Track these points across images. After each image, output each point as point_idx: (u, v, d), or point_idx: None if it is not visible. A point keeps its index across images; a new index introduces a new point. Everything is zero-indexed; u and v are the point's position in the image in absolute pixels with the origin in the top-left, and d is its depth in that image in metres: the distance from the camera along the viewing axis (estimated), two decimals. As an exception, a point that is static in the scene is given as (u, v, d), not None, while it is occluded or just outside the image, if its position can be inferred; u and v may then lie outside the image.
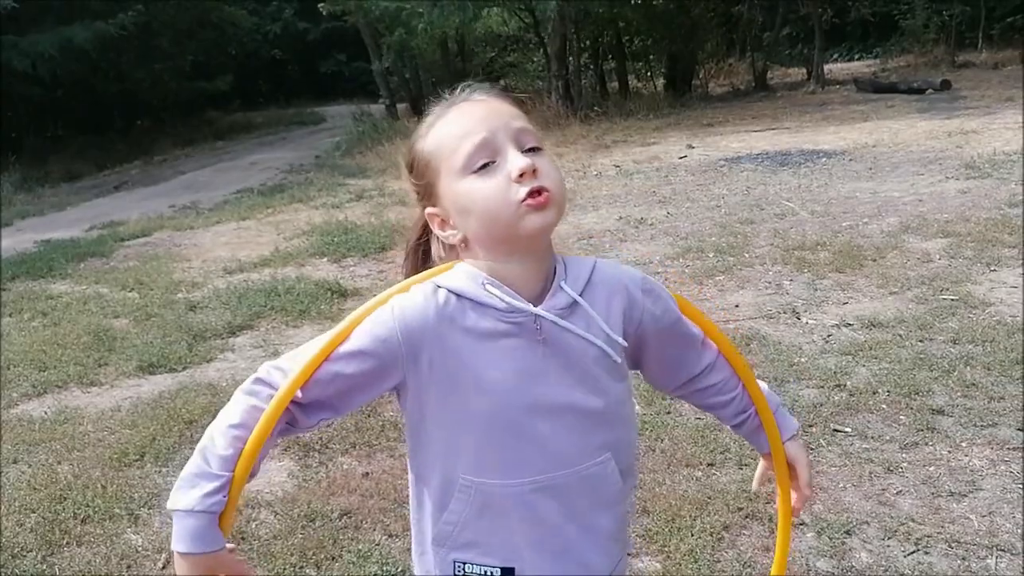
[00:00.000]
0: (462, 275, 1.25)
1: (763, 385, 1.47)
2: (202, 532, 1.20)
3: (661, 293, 1.37)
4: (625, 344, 1.30)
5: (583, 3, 16.32)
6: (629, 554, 2.72)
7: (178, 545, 1.20)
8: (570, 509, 1.29)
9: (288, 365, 1.25)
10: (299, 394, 1.24)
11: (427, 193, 1.29)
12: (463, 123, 1.24)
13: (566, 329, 1.24)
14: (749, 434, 1.50)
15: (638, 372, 1.44)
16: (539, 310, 1.23)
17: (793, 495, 1.50)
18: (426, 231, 1.37)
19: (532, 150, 1.23)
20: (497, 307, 1.22)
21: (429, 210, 1.30)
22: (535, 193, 1.19)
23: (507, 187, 1.19)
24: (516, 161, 1.19)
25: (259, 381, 1.27)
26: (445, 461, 1.27)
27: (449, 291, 1.23)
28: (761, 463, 1.56)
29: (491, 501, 1.26)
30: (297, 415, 1.27)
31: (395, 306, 1.23)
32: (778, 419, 1.47)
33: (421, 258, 1.39)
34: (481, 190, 1.20)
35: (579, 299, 1.26)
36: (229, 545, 1.23)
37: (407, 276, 1.35)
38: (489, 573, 1.29)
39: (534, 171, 1.19)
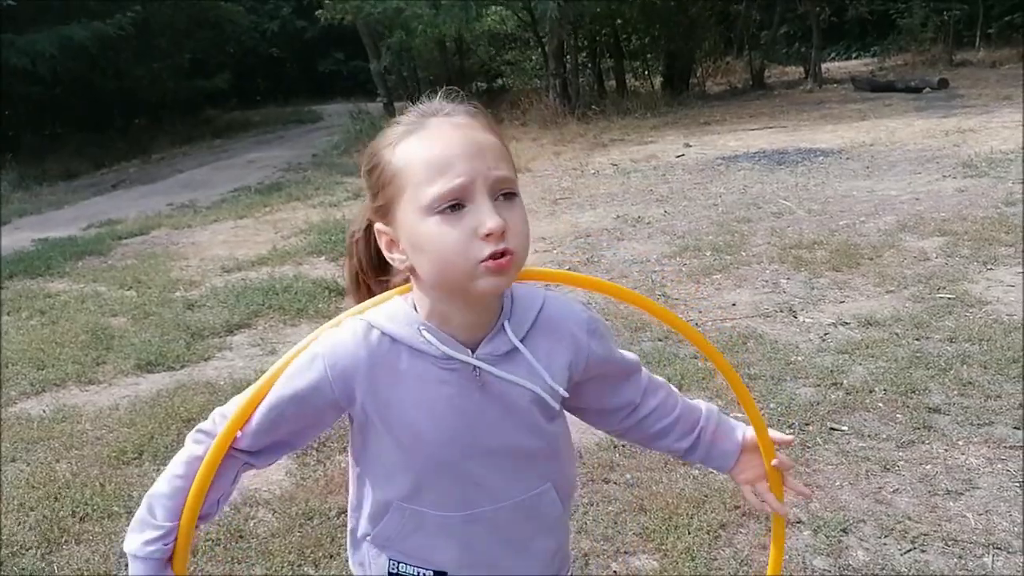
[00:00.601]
0: (399, 316, 1.22)
1: (703, 404, 1.48)
2: (149, 573, 1.24)
3: (605, 333, 1.34)
4: (566, 395, 1.27)
5: (581, 2, 16.32)
6: (627, 552, 2.75)
7: None
8: (504, 535, 1.30)
9: (232, 412, 1.25)
10: (250, 445, 1.25)
11: (382, 208, 1.18)
12: (440, 154, 1.11)
13: (503, 379, 1.21)
14: (706, 453, 1.44)
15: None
16: (476, 360, 1.20)
17: (791, 495, 1.49)
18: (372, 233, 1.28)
19: (507, 195, 1.13)
20: (433, 354, 1.19)
21: (380, 227, 1.20)
22: (497, 255, 1.09)
23: (470, 242, 1.09)
24: (487, 219, 1.08)
25: (201, 432, 1.27)
26: (382, 487, 1.29)
27: (383, 333, 1.20)
28: (745, 488, 1.47)
29: (424, 523, 1.28)
30: (253, 460, 1.29)
31: (326, 350, 1.20)
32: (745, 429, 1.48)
33: (373, 257, 1.31)
34: (441, 237, 1.09)
35: (520, 347, 1.22)
36: None
37: (354, 277, 1.35)
38: (422, 573, 1.30)
39: (503, 232, 1.09)
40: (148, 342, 5.25)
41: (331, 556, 2.88)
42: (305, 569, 2.84)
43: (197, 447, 1.25)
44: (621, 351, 1.38)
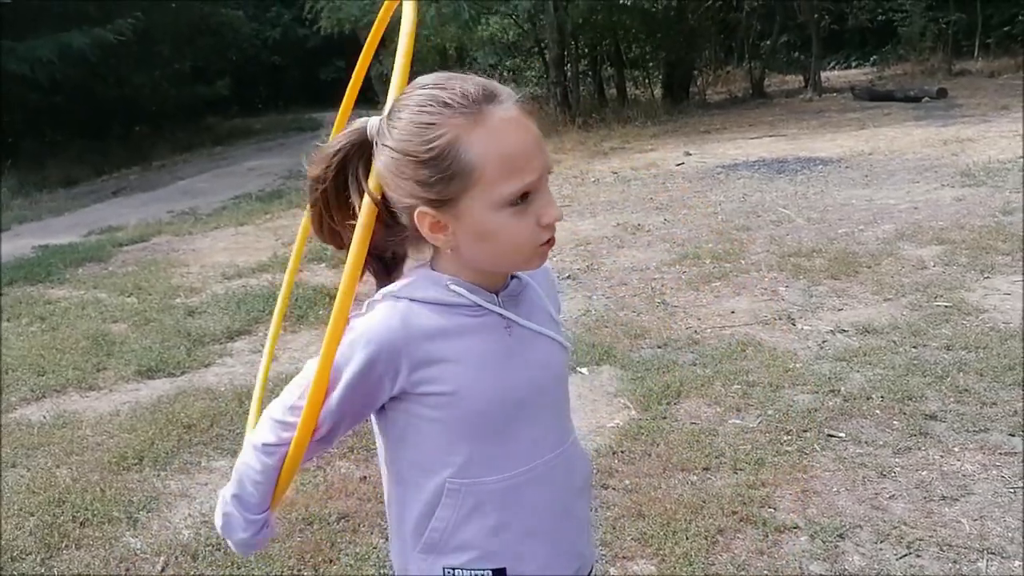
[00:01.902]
0: (420, 282, 1.24)
1: None
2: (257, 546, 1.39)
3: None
4: (559, 322, 1.37)
5: (581, 10, 16.38)
6: (625, 557, 2.76)
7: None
8: (557, 496, 1.32)
9: (294, 418, 1.22)
10: (317, 432, 1.23)
11: (438, 198, 1.16)
12: (512, 153, 1.14)
13: (526, 327, 1.28)
14: None
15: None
16: (500, 308, 1.26)
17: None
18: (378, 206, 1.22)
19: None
20: (463, 305, 1.23)
21: (425, 211, 1.17)
22: (551, 239, 1.21)
23: (535, 231, 1.18)
24: (551, 210, 1.18)
25: (269, 445, 1.26)
26: (431, 468, 1.27)
27: (411, 300, 1.22)
28: None
29: (481, 500, 1.26)
30: (320, 447, 1.29)
31: (360, 333, 1.21)
32: None
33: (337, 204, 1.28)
34: (512, 228, 1.16)
35: (530, 281, 1.32)
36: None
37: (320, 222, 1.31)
38: (478, 574, 1.29)
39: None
40: (149, 348, 5.27)
41: (330, 561, 2.90)
42: (305, 573, 2.85)
43: (268, 459, 1.26)
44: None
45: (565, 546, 1.35)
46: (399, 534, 1.34)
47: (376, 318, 1.22)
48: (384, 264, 1.33)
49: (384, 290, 1.27)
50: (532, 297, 1.32)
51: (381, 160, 1.19)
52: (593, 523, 2.97)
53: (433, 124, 1.13)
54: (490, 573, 1.28)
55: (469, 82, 1.16)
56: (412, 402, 1.25)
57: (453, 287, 1.23)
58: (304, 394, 1.20)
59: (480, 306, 1.24)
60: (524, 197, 1.15)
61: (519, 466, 1.28)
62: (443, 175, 1.14)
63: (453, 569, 1.28)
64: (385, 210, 1.22)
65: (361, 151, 1.24)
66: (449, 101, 1.13)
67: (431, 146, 1.13)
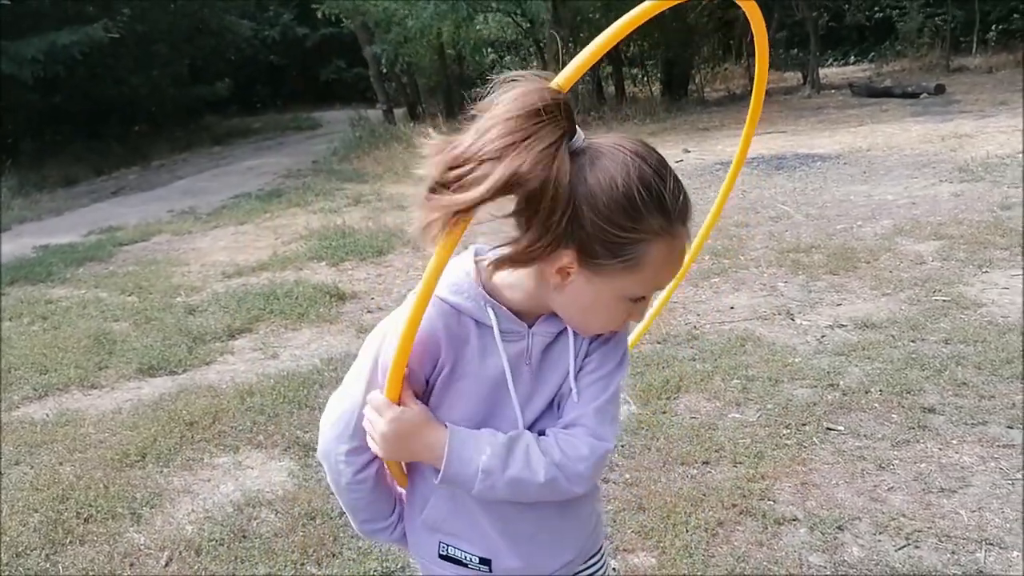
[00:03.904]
0: (464, 289, 1.25)
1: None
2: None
3: (618, 359, 1.33)
4: (574, 388, 1.30)
5: (577, 5, 16.40)
6: (626, 550, 2.78)
7: None
8: (539, 504, 1.34)
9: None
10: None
11: (594, 258, 1.12)
12: (671, 272, 1.20)
13: (552, 347, 1.29)
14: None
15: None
16: (532, 331, 1.27)
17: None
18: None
19: None
20: (494, 327, 1.24)
21: (568, 253, 1.12)
22: None
23: (622, 321, 1.25)
24: (642, 315, 1.24)
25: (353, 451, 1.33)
26: None
27: (451, 306, 1.24)
28: None
29: (462, 498, 1.33)
30: None
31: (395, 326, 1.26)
32: None
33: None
34: (613, 312, 1.21)
35: (570, 332, 1.28)
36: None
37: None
38: (470, 559, 1.37)
39: None
40: (150, 347, 5.28)
41: (334, 555, 2.92)
42: (308, 568, 2.87)
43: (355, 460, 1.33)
44: (609, 404, 1.31)
45: (554, 544, 1.40)
46: (411, 504, 1.43)
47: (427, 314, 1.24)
48: None
49: (423, 281, 1.29)
50: (564, 343, 1.30)
51: (572, 185, 1.07)
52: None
53: (643, 216, 1.10)
54: (477, 559, 1.37)
55: (677, 188, 1.14)
56: (431, 395, 1.30)
57: (489, 309, 1.24)
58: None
59: (510, 331, 1.26)
60: (641, 299, 1.22)
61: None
62: (618, 254, 1.12)
63: (448, 546, 1.38)
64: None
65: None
66: (665, 204, 1.12)
67: (631, 228, 1.11)
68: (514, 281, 1.23)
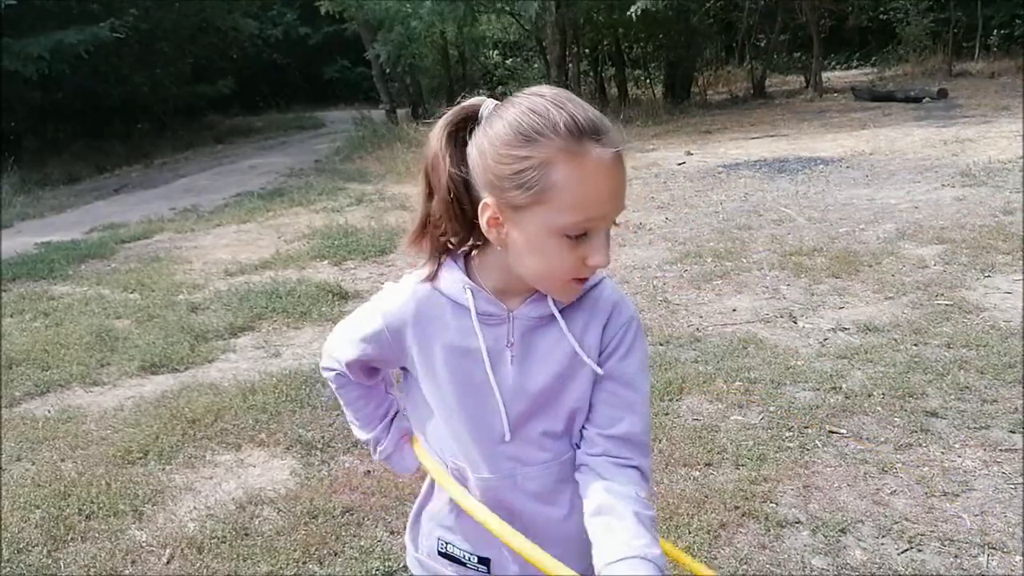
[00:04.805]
0: (451, 276, 1.29)
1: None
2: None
3: (639, 337, 1.34)
4: (599, 370, 1.29)
5: (581, 9, 16.39)
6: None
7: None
8: (542, 501, 1.33)
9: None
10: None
11: (509, 200, 1.17)
12: (591, 194, 1.15)
13: (538, 335, 1.29)
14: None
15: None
16: (514, 313, 1.29)
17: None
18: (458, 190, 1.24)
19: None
20: (471, 308, 1.27)
21: (490, 202, 1.18)
22: (585, 278, 1.23)
23: (578, 266, 1.19)
24: (598, 256, 1.18)
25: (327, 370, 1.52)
26: (436, 444, 1.37)
27: (433, 288, 1.29)
28: None
29: (472, 494, 1.33)
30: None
31: (383, 304, 1.32)
32: None
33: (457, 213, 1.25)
34: (558, 255, 1.17)
35: (557, 315, 1.28)
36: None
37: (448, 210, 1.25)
38: (468, 556, 1.37)
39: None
40: (152, 344, 5.28)
41: (335, 554, 2.92)
42: (310, 567, 2.87)
43: (336, 379, 1.50)
44: (641, 381, 1.32)
45: (551, 549, 1.31)
46: (425, 492, 1.47)
47: (397, 296, 1.32)
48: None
49: (420, 270, 1.32)
50: (553, 329, 1.29)
51: (476, 141, 1.20)
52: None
53: (535, 139, 1.14)
54: (476, 558, 1.37)
55: (582, 112, 1.15)
56: (418, 380, 1.32)
57: (468, 292, 1.27)
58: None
59: (490, 314, 1.28)
60: (582, 235, 1.16)
61: (494, 472, 1.31)
62: (522, 184, 1.15)
63: (446, 543, 1.39)
64: (459, 200, 1.23)
65: (468, 125, 1.24)
66: (559, 123, 1.13)
67: (524, 156, 1.14)
68: (489, 262, 1.27)
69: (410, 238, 1.30)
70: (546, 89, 1.20)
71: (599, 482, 1.24)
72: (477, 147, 1.19)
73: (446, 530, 1.38)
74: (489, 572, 1.36)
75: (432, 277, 1.29)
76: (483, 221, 1.20)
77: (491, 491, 1.31)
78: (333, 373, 1.47)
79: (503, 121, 1.17)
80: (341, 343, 1.41)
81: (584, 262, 1.18)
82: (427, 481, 1.44)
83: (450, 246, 1.29)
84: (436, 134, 1.24)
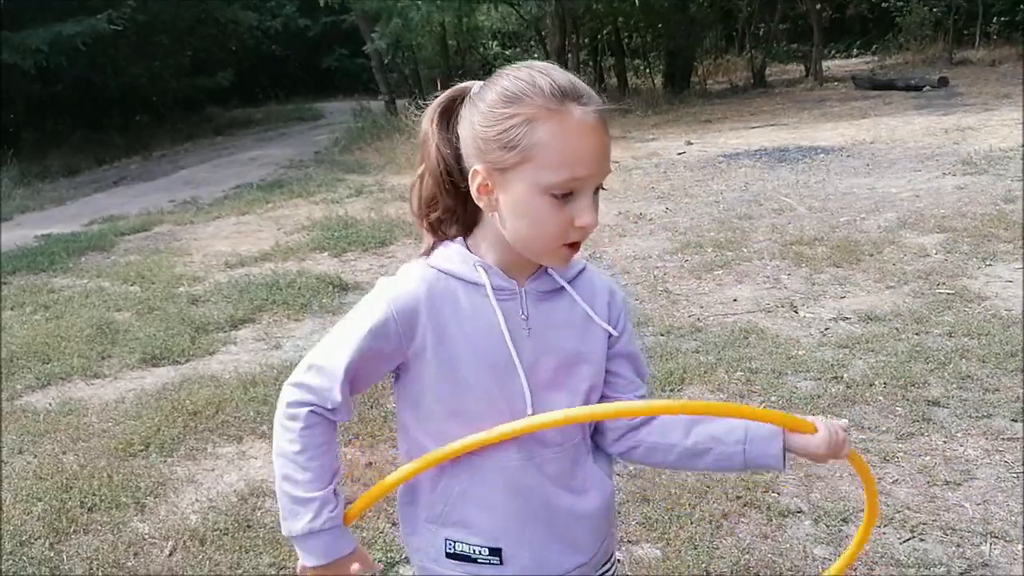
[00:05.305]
0: (452, 256, 1.31)
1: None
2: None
3: (630, 318, 1.45)
4: (613, 331, 1.38)
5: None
6: (630, 541, 2.78)
7: (310, 561, 1.32)
8: (554, 489, 1.34)
9: (330, 364, 1.30)
10: (341, 398, 1.28)
11: (495, 163, 1.22)
12: (574, 152, 1.19)
13: (549, 306, 1.33)
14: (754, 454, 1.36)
15: None
16: (524, 288, 1.32)
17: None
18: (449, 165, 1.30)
19: (597, 189, 1.25)
20: (485, 285, 1.29)
21: (479, 169, 1.23)
22: (576, 244, 1.26)
23: (566, 228, 1.22)
24: (586, 216, 1.21)
25: (303, 387, 1.32)
26: (439, 437, 1.31)
27: (439, 271, 1.30)
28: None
29: (480, 478, 1.32)
30: (336, 417, 1.32)
31: (387, 291, 1.29)
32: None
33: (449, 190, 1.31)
34: (546, 215, 1.21)
35: (567, 286, 1.35)
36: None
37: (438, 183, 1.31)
38: (478, 551, 1.34)
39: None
40: (153, 336, 5.28)
41: (337, 545, 2.91)
42: (312, 558, 2.87)
43: (308, 417, 1.30)
44: (640, 352, 1.46)
45: (565, 539, 1.37)
46: (412, 502, 1.40)
47: (404, 281, 1.30)
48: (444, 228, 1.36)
49: (419, 258, 1.34)
50: (563, 299, 1.35)
51: (465, 114, 1.26)
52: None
53: (519, 98, 1.20)
54: (487, 551, 1.34)
55: (564, 76, 1.22)
56: (424, 369, 1.29)
57: (479, 268, 1.29)
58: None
59: (501, 288, 1.30)
60: (568, 195, 1.20)
61: (518, 451, 1.31)
62: (505, 144, 1.20)
63: (454, 542, 1.35)
64: (449, 173, 1.30)
65: (458, 107, 1.30)
66: (542, 85, 1.19)
67: (510, 115, 1.20)
68: (490, 239, 1.30)
69: (415, 219, 1.36)
70: (533, 62, 1.26)
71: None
72: (467, 119, 1.25)
73: (453, 528, 1.35)
74: (501, 563, 1.34)
75: (428, 252, 1.33)
76: (473, 189, 1.25)
77: (514, 477, 1.31)
78: (306, 408, 1.29)
79: (489, 89, 1.24)
80: (334, 348, 1.28)
81: (572, 223, 1.21)
82: (416, 493, 1.39)
83: (442, 232, 1.34)
84: (428, 114, 1.32)
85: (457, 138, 1.28)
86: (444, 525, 1.36)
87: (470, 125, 1.24)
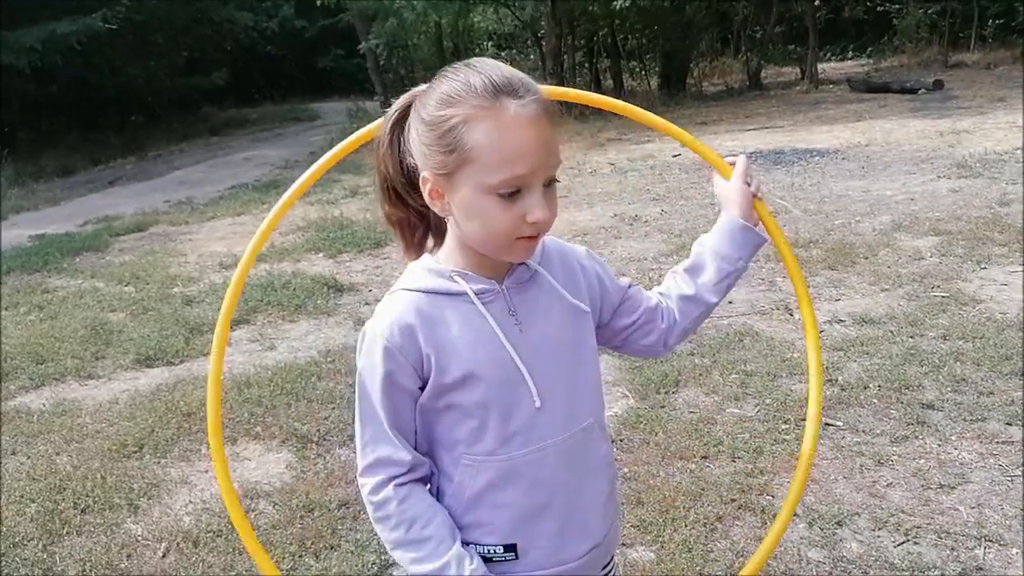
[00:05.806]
0: (420, 274, 1.31)
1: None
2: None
3: (599, 260, 1.51)
4: (587, 308, 1.40)
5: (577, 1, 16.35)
6: (625, 544, 2.78)
7: None
8: (568, 476, 1.35)
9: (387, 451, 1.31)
10: (413, 456, 1.31)
11: (440, 168, 1.22)
12: (513, 149, 1.17)
13: (531, 295, 1.34)
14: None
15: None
16: (504, 286, 1.32)
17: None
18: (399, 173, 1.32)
19: (550, 182, 1.24)
20: (467, 292, 1.29)
21: (428, 176, 1.24)
22: (534, 236, 1.25)
23: (518, 224, 1.21)
24: (537, 210, 1.20)
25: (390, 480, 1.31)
26: (447, 444, 1.32)
27: (417, 291, 1.30)
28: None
29: (492, 477, 1.31)
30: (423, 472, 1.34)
31: (376, 332, 1.27)
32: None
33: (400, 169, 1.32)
34: (495, 215, 1.20)
35: (540, 269, 1.36)
36: None
37: (386, 190, 1.34)
38: (492, 551, 1.33)
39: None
40: (147, 337, 5.27)
41: (332, 547, 2.92)
42: (306, 560, 2.87)
43: (396, 490, 1.30)
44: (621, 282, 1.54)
45: (577, 525, 1.37)
46: None
47: (386, 313, 1.29)
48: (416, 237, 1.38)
49: (390, 293, 1.33)
50: (542, 284, 1.36)
51: (412, 121, 1.26)
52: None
53: (454, 100, 1.19)
54: (501, 549, 1.34)
55: (499, 72, 1.20)
56: (441, 387, 1.29)
57: (457, 278, 1.29)
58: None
59: (483, 291, 1.30)
60: (516, 192, 1.19)
61: (527, 445, 1.31)
62: (445, 148, 1.20)
63: (469, 544, 1.33)
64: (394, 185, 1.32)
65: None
66: (475, 84, 1.18)
67: (444, 117, 1.19)
68: (460, 243, 1.30)
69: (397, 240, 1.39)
70: (474, 59, 1.25)
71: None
72: (412, 127, 1.26)
73: (467, 530, 1.33)
74: (517, 557, 1.34)
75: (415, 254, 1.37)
76: (426, 195, 1.26)
77: (531, 468, 1.31)
78: (389, 484, 1.28)
79: (429, 94, 1.23)
80: (370, 418, 1.30)
81: (524, 219, 1.21)
82: (434, 492, 1.39)
83: (418, 247, 1.37)
84: (383, 123, 1.32)
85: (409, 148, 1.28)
86: (458, 528, 1.34)
87: (415, 131, 1.24)
